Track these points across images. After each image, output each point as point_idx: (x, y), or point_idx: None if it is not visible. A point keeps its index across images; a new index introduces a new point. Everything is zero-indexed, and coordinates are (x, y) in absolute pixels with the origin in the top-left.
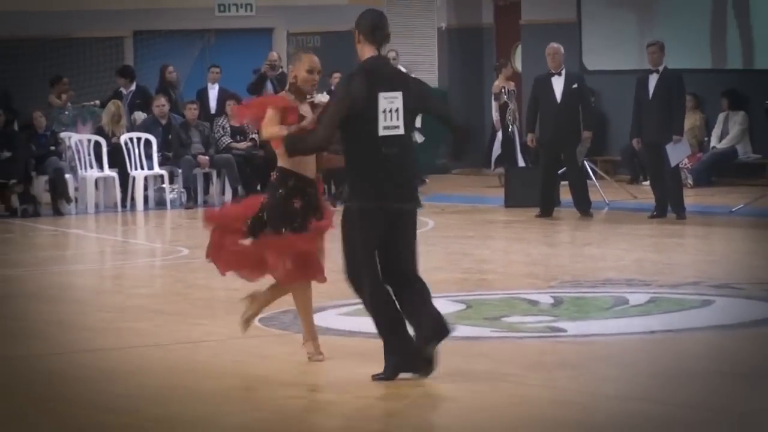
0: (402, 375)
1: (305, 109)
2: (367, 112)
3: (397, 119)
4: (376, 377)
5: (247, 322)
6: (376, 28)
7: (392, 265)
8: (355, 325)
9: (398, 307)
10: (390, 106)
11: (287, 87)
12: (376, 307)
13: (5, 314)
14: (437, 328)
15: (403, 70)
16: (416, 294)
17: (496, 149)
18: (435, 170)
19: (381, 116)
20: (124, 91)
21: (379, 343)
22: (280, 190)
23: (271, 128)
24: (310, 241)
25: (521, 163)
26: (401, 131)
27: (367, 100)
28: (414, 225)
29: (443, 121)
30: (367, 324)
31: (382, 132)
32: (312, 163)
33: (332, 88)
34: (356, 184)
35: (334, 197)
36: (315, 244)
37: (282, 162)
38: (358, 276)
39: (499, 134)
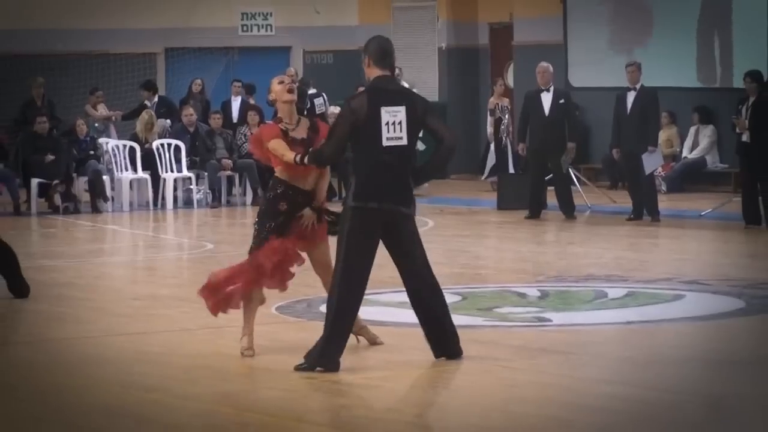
0: (405, 358)
1: (300, 131)
2: (370, 125)
3: (401, 131)
4: (301, 366)
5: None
6: (385, 54)
7: (408, 268)
8: (363, 314)
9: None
10: (393, 119)
11: (274, 115)
12: (337, 298)
13: (48, 301)
14: (444, 348)
15: (406, 85)
16: (432, 306)
17: (491, 160)
18: (436, 176)
19: (384, 128)
20: (148, 103)
21: (388, 330)
22: (270, 193)
23: (288, 154)
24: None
25: (512, 170)
26: (404, 142)
27: (368, 115)
28: (412, 225)
29: (434, 135)
30: (376, 313)
31: (386, 143)
32: (306, 177)
33: None
34: (357, 186)
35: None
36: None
37: (278, 173)
38: (338, 269)
39: (492, 146)
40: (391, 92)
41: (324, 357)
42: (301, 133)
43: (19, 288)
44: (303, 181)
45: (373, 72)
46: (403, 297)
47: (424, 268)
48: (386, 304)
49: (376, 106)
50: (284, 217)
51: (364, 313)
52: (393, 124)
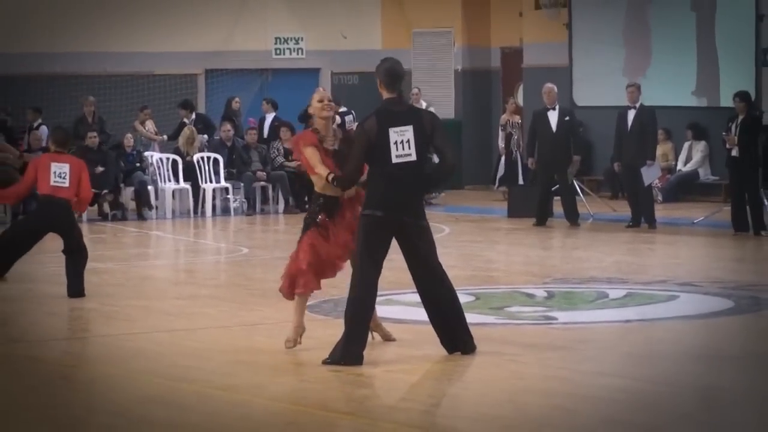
0: (422, 353)
1: (329, 142)
2: (380, 145)
3: (409, 148)
4: (327, 361)
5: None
6: (394, 78)
7: (420, 269)
8: (385, 312)
9: (373, 306)
10: (401, 138)
11: (311, 124)
12: (354, 298)
13: (99, 300)
14: (456, 344)
15: (424, 104)
16: (443, 305)
17: (500, 171)
18: (450, 186)
19: (393, 147)
20: (186, 121)
21: (406, 327)
22: (314, 206)
23: (320, 168)
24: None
25: (522, 181)
26: (414, 158)
27: (378, 135)
28: (425, 235)
29: (437, 153)
30: (396, 311)
31: (395, 160)
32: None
33: None
34: (367, 197)
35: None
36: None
37: (318, 189)
38: (356, 269)
39: (503, 159)
40: (399, 113)
41: (346, 353)
42: (333, 144)
43: (77, 289)
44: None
45: (384, 93)
46: (420, 297)
47: (438, 274)
48: (406, 304)
49: (384, 127)
50: (323, 226)
51: (385, 311)
52: (401, 143)
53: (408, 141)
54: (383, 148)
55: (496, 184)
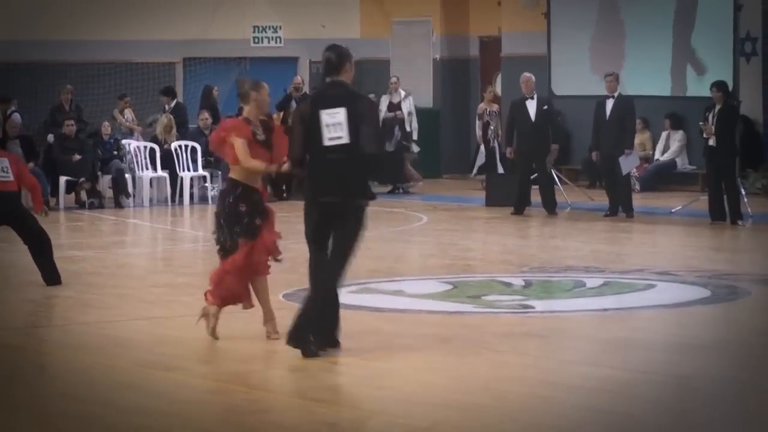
0: (400, 342)
1: (261, 133)
2: (313, 127)
3: (341, 131)
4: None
5: (214, 332)
6: (327, 66)
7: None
8: (362, 301)
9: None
10: (332, 121)
11: (244, 112)
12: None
13: (76, 288)
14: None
15: (403, 93)
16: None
17: (480, 160)
18: (429, 175)
19: (325, 130)
20: (167, 107)
21: (383, 315)
22: (229, 198)
23: (254, 162)
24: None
25: (500, 170)
26: (346, 140)
27: (311, 117)
28: (353, 217)
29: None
30: (373, 300)
31: (327, 142)
32: (257, 176)
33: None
34: (308, 184)
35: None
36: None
37: (233, 174)
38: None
39: (482, 147)
40: (332, 96)
41: (296, 338)
42: (262, 134)
43: (52, 276)
44: (255, 180)
45: (326, 78)
46: (398, 285)
47: (339, 259)
48: (383, 292)
49: (316, 110)
50: (248, 217)
51: (362, 300)
52: (333, 125)
53: (339, 123)
54: (316, 131)
55: (474, 172)
